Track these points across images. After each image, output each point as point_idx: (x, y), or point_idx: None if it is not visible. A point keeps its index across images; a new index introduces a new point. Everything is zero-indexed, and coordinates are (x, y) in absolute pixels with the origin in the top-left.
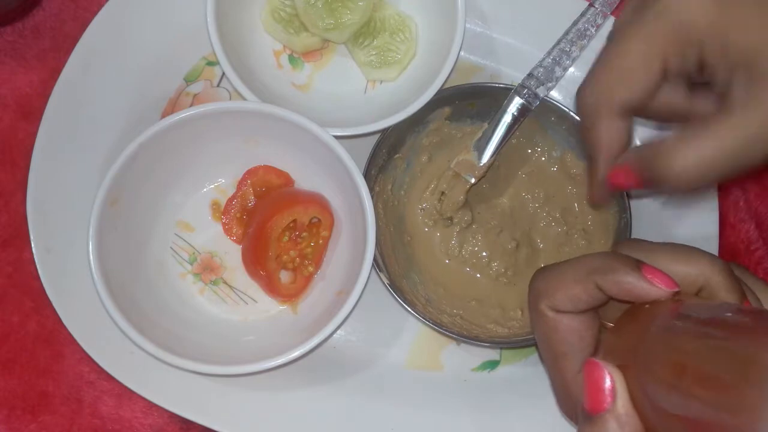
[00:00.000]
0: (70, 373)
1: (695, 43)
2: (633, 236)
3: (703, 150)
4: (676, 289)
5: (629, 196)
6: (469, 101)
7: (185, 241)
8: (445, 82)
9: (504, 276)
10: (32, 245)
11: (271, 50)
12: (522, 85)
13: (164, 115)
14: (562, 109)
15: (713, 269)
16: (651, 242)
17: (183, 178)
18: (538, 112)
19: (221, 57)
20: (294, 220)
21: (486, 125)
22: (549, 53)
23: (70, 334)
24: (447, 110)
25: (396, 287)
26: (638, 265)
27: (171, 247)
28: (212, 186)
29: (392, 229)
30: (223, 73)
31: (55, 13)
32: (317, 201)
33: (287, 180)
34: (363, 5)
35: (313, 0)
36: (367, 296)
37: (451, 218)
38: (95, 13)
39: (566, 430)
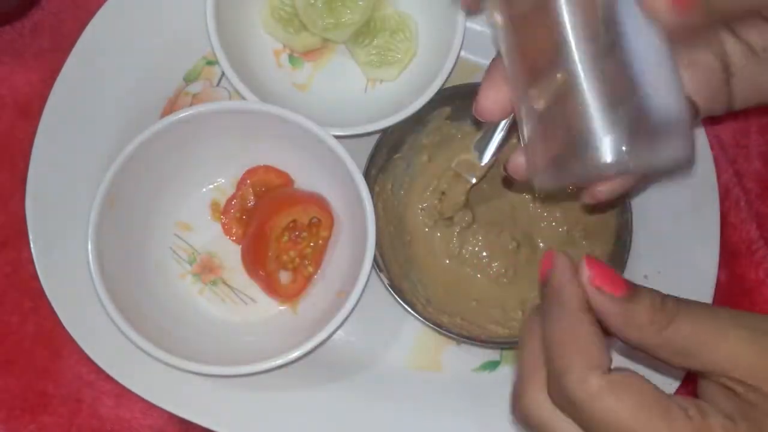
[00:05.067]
0: (69, 374)
1: None
2: (634, 237)
3: None
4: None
5: (630, 196)
6: (469, 101)
7: (184, 241)
8: (446, 81)
9: (504, 276)
10: (31, 245)
11: (271, 50)
12: None
13: (164, 114)
14: None
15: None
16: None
17: (182, 177)
18: None
19: (221, 56)
20: (294, 220)
21: (487, 125)
22: None
23: (69, 335)
24: (447, 110)
25: (396, 288)
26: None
27: (170, 248)
28: (212, 186)
29: (392, 229)
30: (223, 73)
31: (54, 12)
32: (317, 201)
33: (287, 180)
34: (363, 4)
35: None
36: (367, 297)
37: (451, 218)
38: (94, 13)
39: None
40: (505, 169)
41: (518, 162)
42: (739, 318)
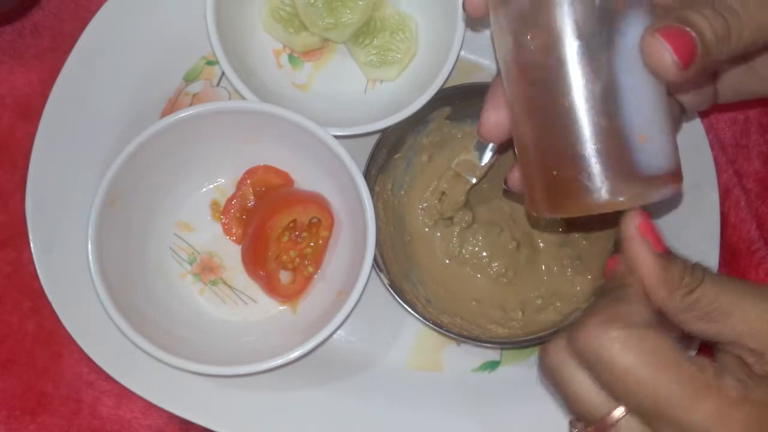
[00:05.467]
0: (69, 374)
1: None
2: None
3: None
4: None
5: None
6: (469, 101)
7: (185, 241)
8: (446, 81)
9: (504, 276)
10: (31, 245)
11: (271, 50)
12: None
13: (164, 114)
14: None
15: None
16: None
17: (182, 177)
18: None
19: (221, 56)
20: (294, 220)
21: None
22: None
23: (69, 335)
24: (447, 110)
25: (396, 287)
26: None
27: (170, 248)
28: (212, 186)
29: (392, 229)
30: (223, 73)
31: (54, 12)
32: (317, 201)
33: (287, 180)
34: (363, 4)
35: None
36: (367, 296)
37: (451, 218)
38: (94, 13)
39: (565, 431)
40: (505, 183)
41: (516, 176)
42: (761, 290)
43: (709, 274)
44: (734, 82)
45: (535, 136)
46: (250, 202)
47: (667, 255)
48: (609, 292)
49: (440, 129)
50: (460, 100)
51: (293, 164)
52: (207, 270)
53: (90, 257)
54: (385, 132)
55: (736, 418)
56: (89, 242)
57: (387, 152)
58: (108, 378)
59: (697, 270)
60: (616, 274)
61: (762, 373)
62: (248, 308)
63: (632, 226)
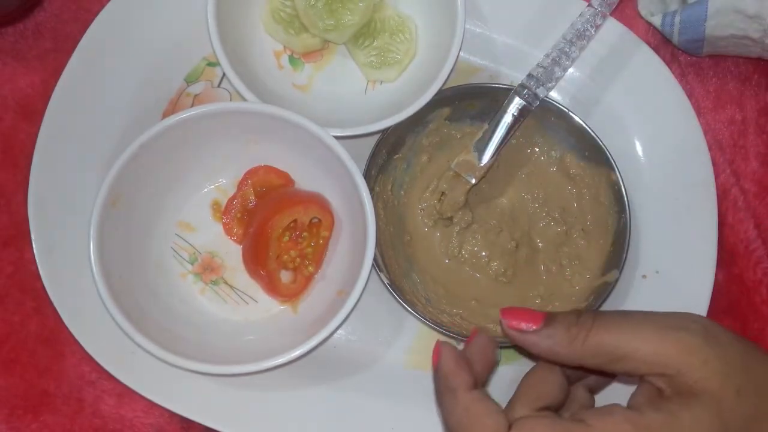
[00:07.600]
0: (71, 373)
1: None
2: (633, 236)
3: None
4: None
5: (628, 197)
6: (468, 102)
7: (186, 241)
8: (445, 82)
9: (503, 276)
10: (33, 245)
11: (271, 51)
12: (522, 86)
13: (165, 115)
14: (562, 110)
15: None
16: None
17: (184, 178)
18: (537, 112)
19: (222, 58)
20: (294, 220)
21: (486, 126)
22: (548, 54)
23: (71, 334)
24: (446, 110)
25: (396, 287)
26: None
27: (172, 247)
28: (213, 186)
29: (392, 229)
30: (224, 74)
31: (56, 13)
32: (317, 201)
33: (287, 180)
34: (363, 6)
35: (313, 1)
36: (367, 296)
37: (451, 218)
38: (96, 14)
39: None
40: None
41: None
42: (649, 317)
43: (600, 317)
44: None
45: None
46: (250, 203)
47: (546, 322)
48: (441, 397)
49: (440, 130)
50: (459, 101)
51: (294, 165)
52: (208, 270)
53: (92, 257)
54: (384, 133)
55: None
56: (91, 242)
57: (387, 153)
58: (110, 377)
59: (583, 318)
60: (440, 373)
61: (670, 394)
62: (249, 308)
63: (504, 327)
